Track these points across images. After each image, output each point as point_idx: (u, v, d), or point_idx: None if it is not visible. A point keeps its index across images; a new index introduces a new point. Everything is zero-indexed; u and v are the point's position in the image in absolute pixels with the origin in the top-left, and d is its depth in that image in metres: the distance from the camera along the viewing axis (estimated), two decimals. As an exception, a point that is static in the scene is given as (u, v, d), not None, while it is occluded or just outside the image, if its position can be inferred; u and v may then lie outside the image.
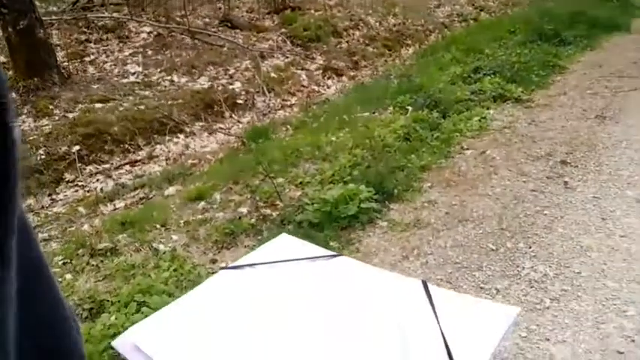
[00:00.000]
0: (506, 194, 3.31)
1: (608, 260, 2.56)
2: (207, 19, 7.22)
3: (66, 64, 5.72)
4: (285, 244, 0.83)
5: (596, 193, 3.23)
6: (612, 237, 2.75)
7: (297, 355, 0.60)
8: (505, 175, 3.58)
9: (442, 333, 0.57)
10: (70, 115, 5.08)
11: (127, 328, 2.11)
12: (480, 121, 4.51)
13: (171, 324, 0.68)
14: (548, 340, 2.10)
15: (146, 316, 2.16)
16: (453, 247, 2.75)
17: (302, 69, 6.44)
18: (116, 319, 2.20)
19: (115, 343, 0.66)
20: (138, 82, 5.95)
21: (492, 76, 5.38)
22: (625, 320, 2.16)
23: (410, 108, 4.62)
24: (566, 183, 3.39)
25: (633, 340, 2.05)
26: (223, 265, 2.38)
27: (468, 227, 2.96)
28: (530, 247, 2.73)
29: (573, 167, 3.62)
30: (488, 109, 4.82)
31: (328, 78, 6.41)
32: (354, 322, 0.65)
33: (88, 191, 4.09)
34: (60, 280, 2.58)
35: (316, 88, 6.17)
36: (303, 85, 6.14)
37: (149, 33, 6.53)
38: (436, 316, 0.60)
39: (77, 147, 4.51)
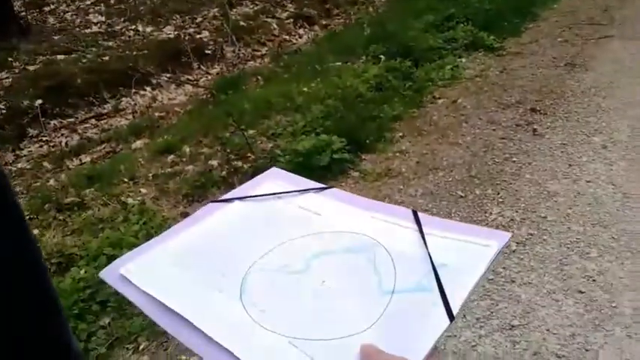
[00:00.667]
0: (476, 142, 3.34)
1: (573, 205, 2.62)
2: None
3: (24, 14, 5.44)
4: (276, 177, 0.81)
5: (563, 140, 3.27)
6: (578, 182, 2.81)
7: (284, 286, 0.59)
8: (475, 123, 3.59)
9: (430, 258, 0.56)
10: (31, 68, 4.88)
11: (97, 282, 2.10)
12: (452, 69, 4.49)
13: (159, 254, 0.67)
14: (513, 281, 2.16)
15: (116, 269, 2.16)
16: (423, 195, 2.78)
17: (272, 17, 6.26)
18: (86, 272, 2.18)
19: (102, 273, 0.64)
20: (101, 33, 5.72)
21: (465, 23, 5.32)
22: (587, 262, 2.23)
23: (383, 57, 4.56)
24: (535, 130, 3.43)
25: (594, 280, 2.12)
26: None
27: (439, 175, 2.99)
28: (498, 194, 2.77)
29: (542, 115, 3.65)
30: (460, 57, 4.79)
31: (300, 27, 6.26)
32: (340, 251, 0.64)
33: (53, 146, 3.97)
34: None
35: (287, 37, 6.02)
36: (273, 35, 5.98)
37: (111, -20, 6.23)
38: (425, 242, 0.60)
39: (40, 101, 4.35)
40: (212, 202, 0.76)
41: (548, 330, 1.91)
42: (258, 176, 0.83)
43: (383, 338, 0.50)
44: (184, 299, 0.58)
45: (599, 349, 1.81)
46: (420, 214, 0.67)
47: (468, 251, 0.59)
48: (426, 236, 0.62)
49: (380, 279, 0.58)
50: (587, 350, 1.81)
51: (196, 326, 0.54)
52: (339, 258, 0.63)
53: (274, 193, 0.77)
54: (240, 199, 0.77)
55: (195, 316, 0.55)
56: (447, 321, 0.51)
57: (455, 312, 0.51)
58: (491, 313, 2.02)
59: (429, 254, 0.59)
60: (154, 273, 0.63)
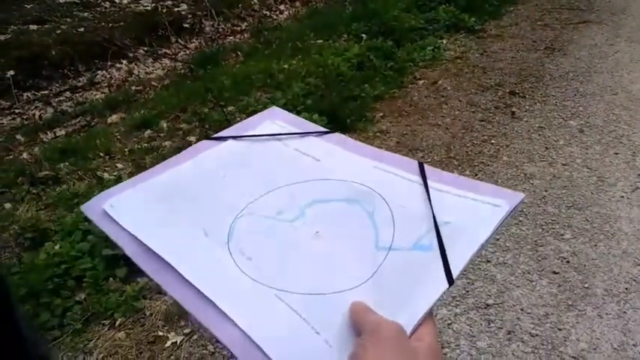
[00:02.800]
0: (455, 124, 3.35)
1: (549, 187, 2.66)
2: None
3: (-7, -21, 5.23)
4: (275, 117, 0.76)
5: (541, 123, 3.31)
6: (554, 165, 2.85)
7: (275, 233, 0.55)
8: (455, 105, 3.60)
9: (433, 215, 0.53)
10: (2, 37, 4.70)
11: (72, 257, 2.06)
12: (433, 50, 4.48)
13: (145, 190, 0.62)
14: (489, 261, 2.20)
15: (92, 244, 2.12)
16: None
17: (253, -8, 6.14)
18: (61, 247, 2.14)
19: (84, 207, 0.60)
20: (76, 3, 5.53)
21: (447, 4, 5.30)
22: (562, 243, 2.28)
23: (364, 36, 4.52)
24: (513, 113, 3.46)
25: (568, 262, 2.17)
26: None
27: (418, 156, 3.00)
28: (476, 175, 2.80)
29: (521, 98, 3.68)
30: (441, 38, 4.78)
31: (281, 2, 6.15)
32: (337, 201, 0.60)
33: (27, 119, 3.85)
34: (-2, 209, 2.47)
35: (268, 13, 5.92)
36: (254, 10, 5.87)
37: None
38: (429, 197, 0.56)
39: (12, 72, 4.20)
40: (205, 139, 0.71)
41: (522, 309, 1.95)
42: (257, 115, 0.77)
43: (375, 297, 0.47)
44: (167, 240, 0.54)
45: (571, 329, 1.86)
46: (426, 167, 0.62)
47: (475, 210, 0.55)
48: (430, 191, 0.58)
49: (377, 233, 0.54)
50: (559, 329, 1.86)
51: (177, 270, 0.51)
52: (335, 208, 0.59)
53: (272, 135, 0.72)
54: (235, 137, 0.71)
55: (176, 259, 0.52)
56: (446, 284, 0.48)
57: (455, 275, 0.48)
58: (467, 292, 2.06)
59: (432, 211, 0.55)
60: (137, 210, 0.58)
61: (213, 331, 0.46)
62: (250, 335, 0.45)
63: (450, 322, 1.92)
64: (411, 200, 0.58)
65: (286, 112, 0.78)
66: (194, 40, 5.11)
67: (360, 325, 0.44)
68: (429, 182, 0.60)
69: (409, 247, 0.52)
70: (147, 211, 0.60)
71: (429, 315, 0.46)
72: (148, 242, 0.54)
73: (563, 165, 2.85)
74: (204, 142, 0.72)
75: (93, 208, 0.61)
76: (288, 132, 0.73)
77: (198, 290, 0.49)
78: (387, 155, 0.67)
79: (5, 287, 0.41)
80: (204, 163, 0.68)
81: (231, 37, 5.30)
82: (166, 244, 0.54)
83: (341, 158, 0.68)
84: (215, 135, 0.73)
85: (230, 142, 0.72)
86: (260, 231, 0.57)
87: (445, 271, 0.49)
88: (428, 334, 0.44)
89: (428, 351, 0.43)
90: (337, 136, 0.72)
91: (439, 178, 0.60)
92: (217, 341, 0.46)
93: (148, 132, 3.21)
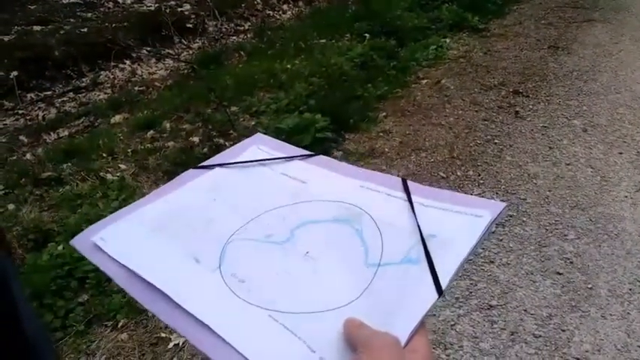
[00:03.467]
0: (458, 123, 3.34)
1: (553, 187, 2.65)
2: None
3: (-3, -20, 5.25)
4: (260, 143, 0.77)
5: (545, 123, 3.30)
6: (558, 165, 2.84)
7: (266, 256, 0.56)
8: (459, 104, 3.59)
9: (419, 229, 0.54)
10: (6, 38, 4.71)
11: (75, 258, 2.07)
12: (436, 50, 4.47)
13: (134, 221, 0.63)
14: (492, 262, 2.19)
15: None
16: (405, 175, 2.78)
17: (256, -8, 6.14)
18: (64, 248, 2.14)
19: (73, 241, 0.61)
20: (79, 4, 5.55)
21: (450, 3, 5.30)
22: (565, 244, 2.27)
23: (367, 35, 4.52)
24: (517, 112, 3.45)
25: (572, 262, 2.16)
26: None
27: (421, 156, 2.99)
28: (479, 175, 2.79)
29: (525, 97, 3.66)
30: (444, 37, 4.77)
31: (284, 2, 6.15)
32: (325, 221, 0.61)
33: (30, 119, 3.87)
34: (2, 210, 2.47)
35: (271, 12, 5.92)
36: (257, 10, 5.87)
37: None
38: (414, 212, 0.57)
39: (15, 72, 4.22)
40: (193, 168, 0.73)
41: (525, 310, 1.95)
42: (242, 142, 0.79)
43: (368, 312, 0.48)
44: (159, 269, 0.55)
45: (575, 330, 1.85)
46: (409, 183, 0.63)
47: (458, 222, 0.56)
48: (415, 206, 0.59)
49: (366, 251, 0.55)
50: (563, 330, 1.85)
51: (171, 298, 0.51)
52: (324, 228, 0.60)
53: (258, 160, 0.74)
54: (221, 165, 0.73)
55: (169, 287, 0.52)
56: (435, 295, 0.48)
57: (444, 286, 0.49)
58: (470, 292, 2.05)
59: (418, 225, 0.56)
60: (128, 241, 0.59)
61: (211, 355, 0.47)
62: (248, 357, 0.45)
63: (453, 323, 1.91)
64: (397, 216, 0.59)
65: (271, 137, 0.81)
66: (197, 40, 5.11)
67: (355, 340, 0.44)
68: (413, 197, 0.61)
69: (398, 262, 0.53)
70: (137, 242, 0.61)
71: (422, 326, 0.47)
72: (140, 272, 0.55)
73: (567, 165, 2.83)
74: (191, 170, 0.74)
75: (83, 242, 0.62)
76: (273, 157, 0.75)
77: (194, 317, 0.50)
78: (371, 174, 0.69)
79: (9, 290, 0.41)
80: (192, 192, 0.70)
81: (234, 37, 5.30)
82: (158, 273, 0.55)
83: (327, 179, 0.69)
84: (202, 164, 0.75)
85: (217, 169, 0.74)
86: (251, 254, 0.58)
87: (434, 282, 0.50)
88: (422, 345, 0.45)
89: None
90: (322, 158, 0.74)
91: (422, 192, 0.62)
92: None
93: (151, 132, 3.21)
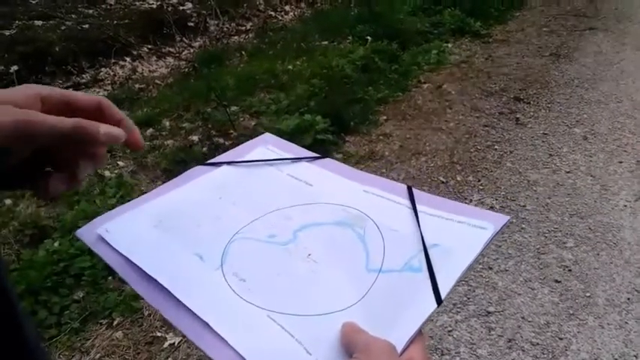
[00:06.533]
0: (459, 129, 3.34)
1: (552, 194, 2.65)
2: None
3: (-1, -26, 5.23)
4: (268, 143, 0.77)
5: (545, 130, 3.29)
6: (558, 172, 2.83)
7: (268, 256, 0.56)
8: (459, 109, 3.59)
9: (422, 238, 0.54)
10: (7, 33, 4.70)
11: (71, 255, 2.05)
12: (438, 54, 4.47)
13: (139, 215, 0.63)
14: (491, 268, 2.18)
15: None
16: (405, 179, 2.78)
17: (258, -8, 6.13)
18: (60, 245, 2.13)
19: (78, 232, 0.61)
20: (81, 0, 5.54)
21: (452, 8, 5.30)
22: (564, 251, 2.26)
23: (369, 38, 4.52)
24: (517, 119, 3.45)
25: (570, 270, 2.15)
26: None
27: (421, 160, 2.99)
28: (479, 181, 2.78)
29: (525, 104, 3.66)
30: (446, 42, 4.77)
31: (286, 3, 6.15)
32: (329, 224, 0.61)
33: (28, 114, 3.85)
34: (-2, 205, 2.46)
35: (273, 13, 5.91)
36: (259, 10, 5.86)
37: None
38: (417, 220, 0.57)
39: (15, 67, 4.20)
40: (199, 165, 0.73)
41: (523, 317, 1.94)
42: (250, 141, 0.80)
43: (366, 318, 0.48)
44: (162, 264, 0.55)
45: (573, 338, 1.85)
46: (414, 191, 0.64)
47: (462, 232, 0.57)
48: (419, 214, 0.60)
49: (368, 256, 0.55)
50: (560, 339, 1.84)
51: (172, 293, 0.52)
52: (327, 231, 0.60)
53: (265, 160, 0.74)
54: (229, 163, 0.74)
55: (171, 282, 0.53)
56: (434, 305, 0.48)
57: (443, 295, 0.49)
58: (468, 298, 2.04)
59: (421, 233, 0.56)
60: (132, 234, 0.60)
61: (208, 352, 0.47)
62: (244, 355, 0.46)
63: (450, 329, 1.90)
64: (400, 223, 0.60)
65: (279, 138, 0.81)
66: (198, 39, 5.10)
67: (352, 344, 0.44)
68: (417, 206, 0.62)
69: (399, 269, 0.53)
70: (142, 236, 0.61)
71: (419, 334, 0.47)
72: (143, 266, 0.55)
73: (567, 172, 2.83)
74: (199, 167, 0.74)
75: (88, 233, 0.62)
76: (281, 157, 0.75)
77: (193, 312, 0.50)
78: (377, 179, 0.69)
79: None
80: (198, 188, 0.70)
81: (235, 37, 5.29)
82: (161, 268, 0.55)
83: (333, 183, 0.70)
84: (209, 161, 0.75)
85: (224, 167, 0.74)
86: (253, 254, 0.58)
87: (434, 291, 0.50)
88: (418, 353, 0.45)
89: None
90: (329, 161, 0.75)
91: (427, 201, 0.62)
92: None
93: (150, 130, 3.20)
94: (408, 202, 0.62)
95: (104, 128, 0.42)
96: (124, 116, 0.48)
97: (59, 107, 0.44)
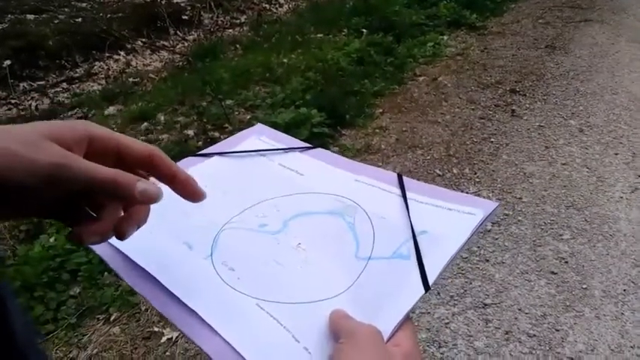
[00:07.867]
0: (455, 121, 3.34)
1: (548, 187, 2.65)
2: None
3: (-10, -33, 5.18)
4: (260, 133, 0.77)
5: (541, 122, 3.29)
6: (554, 164, 2.84)
7: (258, 245, 0.58)
8: (455, 102, 3.59)
9: (411, 225, 0.54)
10: (0, 27, 4.66)
11: (67, 250, 2.04)
12: (433, 47, 4.46)
13: None
14: (487, 261, 2.18)
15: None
16: (401, 172, 2.77)
17: (253, -15, 6.10)
18: (55, 240, 2.12)
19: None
20: (74, -8, 5.49)
21: (448, 0, 5.28)
22: (560, 243, 2.27)
23: (365, 31, 4.50)
24: (513, 111, 3.44)
25: (567, 262, 2.16)
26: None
27: (417, 153, 2.98)
28: (475, 173, 2.78)
29: (521, 96, 3.66)
30: (442, 34, 4.76)
31: (280, -4, 6.12)
32: (319, 213, 0.61)
33: (23, 109, 3.82)
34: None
35: (268, 6, 5.88)
36: (253, 3, 5.83)
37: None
38: (407, 207, 0.57)
39: (8, 61, 4.17)
40: (190, 155, 0.73)
41: (520, 309, 1.94)
42: (242, 132, 0.80)
43: (354, 305, 0.48)
44: (150, 253, 0.55)
45: (569, 330, 1.85)
46: (404, 179, 0.64)
47: (450, 219, 0.57)
48: (408, 202, 0.60)
49: (357, 244, 0.56)
50: (557, 330, 1.85)
51: (161, 282, 0.52)
52: (317, 220, 0.61)
53: (257, 150, 0.74)
54: (220, 154, 0.74)
55: (159, 271, 0.53)
56: (422, 290, 0.49)
57: (431, 281, 0.50)
58: (465, 291, 2.04)
59: (410, 221, 0.57)
60: None
61: (196, 340, 0.47)
62: (232, 343, 0.46)
63: (447, 321, 1.91)
64: (390, 211, 0.60)
65: (271, 128, 0.81)
66: (193, 33, 5.08)
67: (339, 330, 0.45)
68: (407, 193, 0.62)
69: (388, 256, 0.54)
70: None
71: (409, 321, 0.47)
72: (131, 255, 0.55)
73: (563, 164, 2.84)
74: (190, 158, 0.73)
75: None
76: (272, 148, 0.75)
77: (181, 301, 0.50)
78: (367, 168, 0.69)
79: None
80: None
81: (230, 30, 5.26)
82: (150, 257, 0.55)
83: (324, 172, 0.70)
84: (201, 152, 0.75)
85: (215, 158, 0.74)
86: (243, 243, 0.58)
87: (422, 277, 0.50)
88: (406, 340, 0.45)
89: (405, 355, 0.44)
90: (320, 151, 0.75)
91: (417, 189, 0.63)
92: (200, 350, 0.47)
93: (145, 124, 3.18)
94: (398, 190, 0.63)
95: (141, 186, 0.40)
96: (177, 169, 0.46)
97: (107, 152, 0.43)
